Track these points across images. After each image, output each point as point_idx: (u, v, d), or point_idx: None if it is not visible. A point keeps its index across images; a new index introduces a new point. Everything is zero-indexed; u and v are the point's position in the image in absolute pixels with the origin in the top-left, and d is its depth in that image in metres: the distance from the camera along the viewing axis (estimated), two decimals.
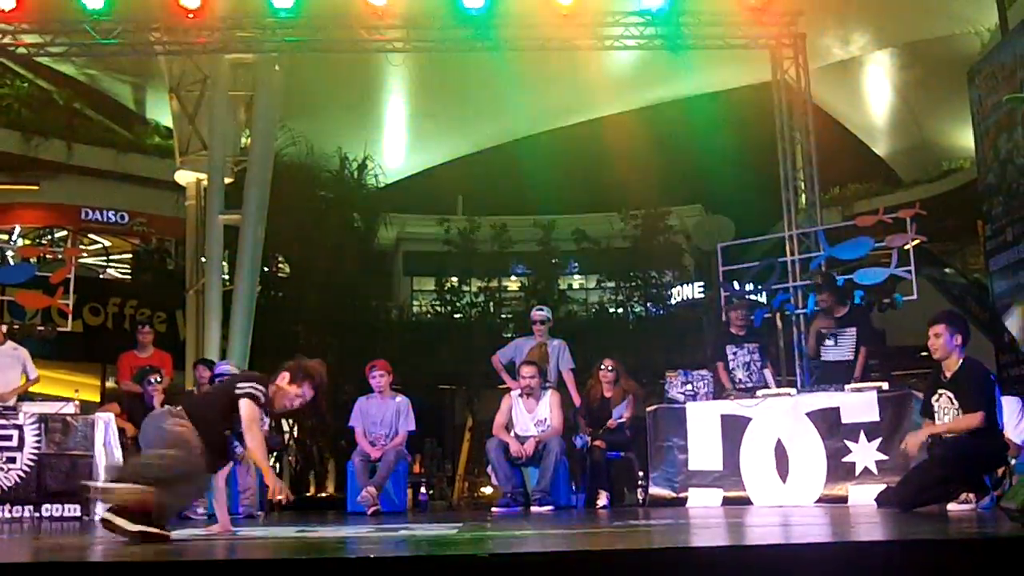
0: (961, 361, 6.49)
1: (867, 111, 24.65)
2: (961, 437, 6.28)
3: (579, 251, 24.36)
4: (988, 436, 6.28)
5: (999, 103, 12.63)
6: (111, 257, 22.43)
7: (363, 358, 10.62)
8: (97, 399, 17.25)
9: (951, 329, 6.49)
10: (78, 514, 8.44)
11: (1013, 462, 7.14)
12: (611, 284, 24.20)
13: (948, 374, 6.52)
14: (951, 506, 6.29)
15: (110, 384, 17.65)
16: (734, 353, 9.61)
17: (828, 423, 8.09)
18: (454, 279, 23.76)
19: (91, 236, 22.08)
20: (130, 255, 22.44)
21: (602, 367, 9.65)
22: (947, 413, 6.47)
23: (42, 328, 12.23)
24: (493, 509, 9.16)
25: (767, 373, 9.43)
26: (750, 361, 9.55)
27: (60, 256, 14.47)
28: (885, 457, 7.78)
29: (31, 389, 9.96)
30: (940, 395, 6.53)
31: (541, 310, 10.48)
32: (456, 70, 18.35)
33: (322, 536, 5.02)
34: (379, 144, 23.35)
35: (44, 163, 20.11)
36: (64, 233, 21.57)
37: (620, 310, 23.72)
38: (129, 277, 22.11)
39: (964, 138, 18.91)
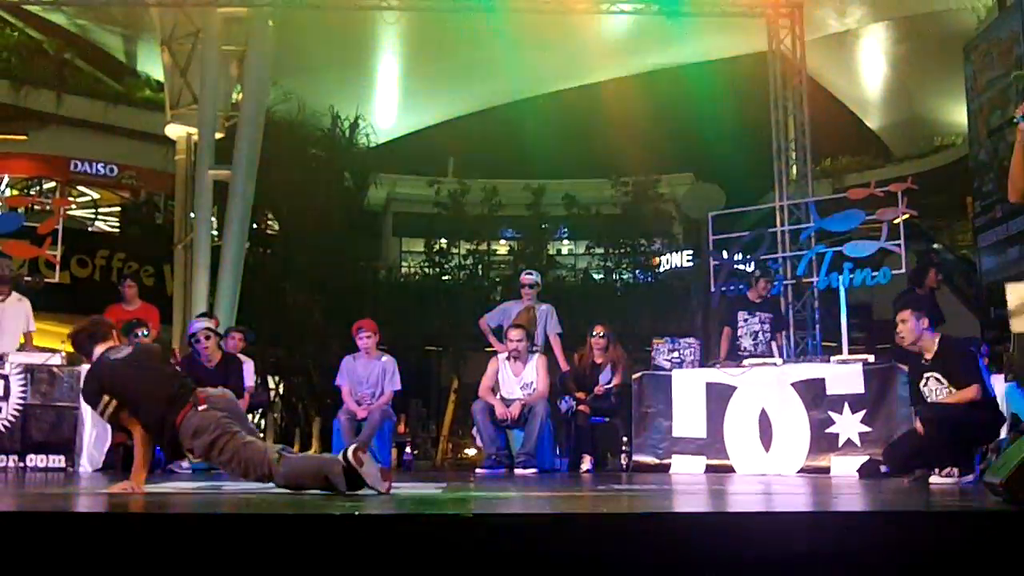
0: (938, 341, 6.57)
1: (861, 84, 24.62)
2: (952, 404, 6.35)
3: (569, 216, 24.35)
4: (982, 406, 6.34)
5: (994, 80, 12.61)
6: (100, 210, 22.31)
7: (350, 318, 10.61)
8: None
9: (916, 314, 6.62)
10: (63, 465, 8.45)
11: (1001, 435, 7.19)
12: (600, 250, 24.20)
13: (929, 356, 6.60)
14: (934, 479, 6.33)
15: None
16: (745, 320, 9.65)
17: (813, 394, 8.14)
18: (443, 241, 23.73)
19: (80, 188, 21.96)
20: (119, 208, 22.33)
21: (593, 334, 9.66)
22: (938, 396, 6.53)
23: (29, 279, 12.17)
24: (477, 470, 9.18)
25: (774, 345, 9.46)
26: (759, 331, 9.59)
27: (48, 207, 14.39)
28: (868, 429, 7.84)
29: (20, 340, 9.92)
30: (927, 379, 6.58)
31: (531, 274, 10.46)
32: (451, 31, 18.22)
33: (307, 493, 5.03)
34: (371, 104, 23.23)
35: (33, 113, 19.98)
36: (53, 184, 21.44)
37: (609, 276, 23.73)
38: (117, 230, 22.01)
39: (957, 114, 18.92)
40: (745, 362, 8.84)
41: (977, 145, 13.09)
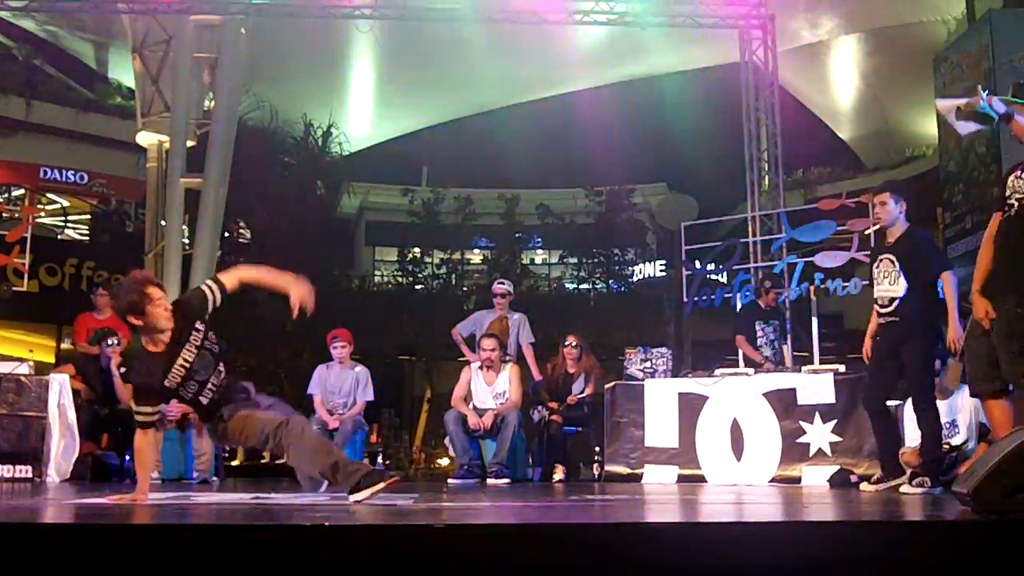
0: (906, 228, 6.69)
1: (832, 95, 24.77)
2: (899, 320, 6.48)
3: (543, 226, 24.38)
4: (923, 308, 6.49)
5: (963, 91, 12.72)
6: (69, 217, 22.12)
7: (322, 327, 10.55)
8: (52, 360, 17.06)
9: (895, 197, 6.70)
10: (29, 475, 8.35)
11: (969, 445, 7.23)
12: (574, 260, 24.24)
13: (892, 240, 6.70)
14: (904, 488, 6.36)
15: (65, 345, 17.45)
16: (763, 330, 9.68)
17: (784, 404, 8.16)
18: (417, 250, 23.70)
19: (49, 196, 21.78)
20: (88, 216, 22.15)
21: (566, 343, 9.67)
22: (887, 277, 6.61)
23: None
24: (449, 480, 9.16)
25: (785, 349, 9.50)
26: (775, 339, 9.64)
27: (17, 215, 14.24)
28: (839, 439, 7.86)
29: None
30: (881, 260, 6.68)
31: (503, 283, 10.45)
32: (425, 39, 18.23)
33: (277, 503, 5.00)
34: (344, 112, 23.20)
35: (2, 120, 19.79)
36: (22, 191, 21.25)
37: (582, 286, 23.77)
38: (87, 238, 21.83)
39: (927, 125, 19.09)
40: (716, 372, 8.87)
41: (947, 156, 13.21)
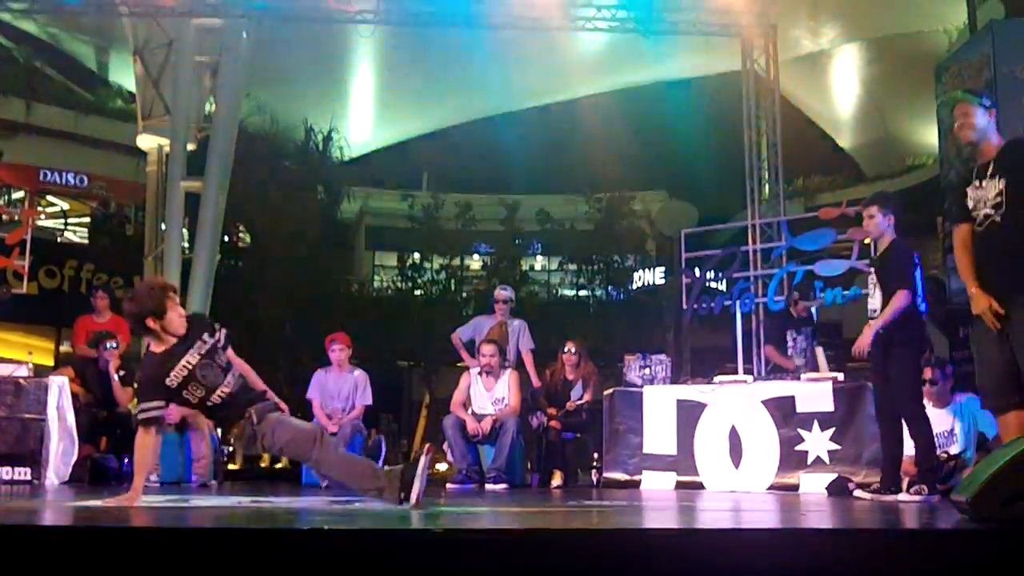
0: (890, 241, 6.67)
1: (833, 104, 24.82)
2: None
3: (542, 232, 24.37)
4: (906, 318, 6.41)
5: None
6: (69, 220, 22.12)
7: (321, 331, 10.56)
8: (51, 363, 17.05)
9: (883, 210, 6.66)
10: (28, 477, 8.34)
11: (967, 454, 7.22)
12: (573, 266, 24.24)
13: (880, 252, 6.74)
14: (902, 496, 6.36)
15: (64, 348, 17.44)
16: (794, 339, 9.66)
17: (783, 411, 8.15)
18: (416, 255, 23.71)
19: (49, 198, 21.78)
20: (88, 219, 22.16)
21: (565, 350, 9.67)
22: (871, 295, 6.67)
23: None
24: (448, 486, 9.15)
25: (819, 351, 9.48)
26: (807, 347, 9.61)
27: (17, 217, 14.22)
28: (837, 447, 7.85)
29: None
30: (872, 272, 6.77)
31: (505, 289, 10.42)
32: (426, 45, 18.25)
33: (275, 507, 5.00)
34: (345, 117, 23.23)
35: (3, 122, 19.80)
36: (21, 194, 21.26)
37: (581, 292, 23.78)
38: (87, 241, 21.84)
39: (928, 135, 19.08)
40: (715, 379, 8.86)
41: (948, 165, 13.18)
